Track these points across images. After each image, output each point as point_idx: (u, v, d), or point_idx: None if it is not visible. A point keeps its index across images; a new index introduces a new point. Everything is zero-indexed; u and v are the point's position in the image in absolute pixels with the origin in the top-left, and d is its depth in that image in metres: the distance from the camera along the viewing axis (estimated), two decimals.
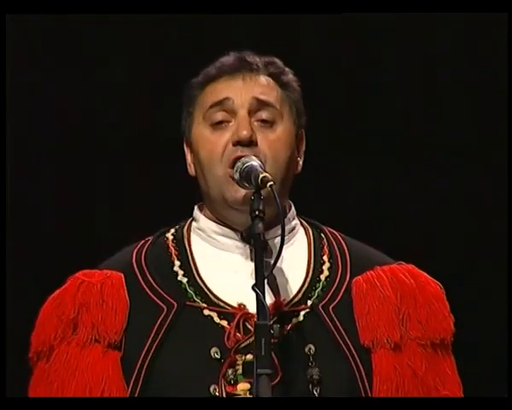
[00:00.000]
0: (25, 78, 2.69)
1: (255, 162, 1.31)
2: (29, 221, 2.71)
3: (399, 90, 2.84)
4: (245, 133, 1.35)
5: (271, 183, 1.25)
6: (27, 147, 2.72)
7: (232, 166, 1.34)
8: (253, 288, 1.19)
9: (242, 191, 1.33)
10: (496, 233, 2.76)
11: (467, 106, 2.83)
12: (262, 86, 1.39)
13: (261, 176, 1.26)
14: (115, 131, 2.74)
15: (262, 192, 1.27)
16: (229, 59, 1.43)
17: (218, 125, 1.38)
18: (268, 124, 1.39)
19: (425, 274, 1.44)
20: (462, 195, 2.81)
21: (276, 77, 1.42)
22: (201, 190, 1.42)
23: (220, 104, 1.38)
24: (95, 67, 2.73)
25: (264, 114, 1.38)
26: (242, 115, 1.37)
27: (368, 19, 2.67)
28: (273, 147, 1.37)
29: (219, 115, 1.39)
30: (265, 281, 1.28)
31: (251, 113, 1.37)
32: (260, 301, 1.17)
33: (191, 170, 1.46)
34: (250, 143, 1.35)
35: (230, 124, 1.38)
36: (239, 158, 1.33)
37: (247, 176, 1.29)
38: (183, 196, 1.77)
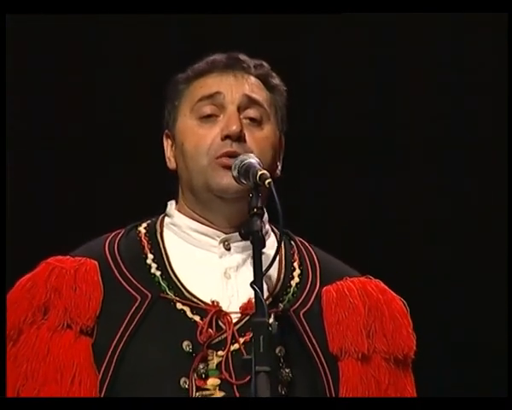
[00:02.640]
0: (25, 77, 2.69)
1: (253, 159, 1.31)
2: (29, 221, 2.71)
3: (399, 89, 2.84)
4: (234, 128, 1.36)
5: (270, 180, 1.26)
6: (27, 147, 2.72)
7: (217, 158, 1.35)
8: (251, 285, 1.19)
9: (228, 178, 1.34)
10: (496, 233, 2.76)
11: (467, 106, 2.83)
12: (252, 85, 1.41)
13: (259, 173, 1.27)
14: (115, 131, 2.74)
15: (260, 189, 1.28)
16: (220, 56, 1.43)
17: (206, 119, 1.39)
18: (256, 122, 1.40)
19: (390, 291, 1.46)
20: (462, 194, 2.81)
21: (265, 79, 1.43)
22: (182, 182, 1.42)
23: (210, 98, 1.39)
24: (95, 68, 2.74)
25: (252, 112, 1.40)
26: (232, 111, 1.38)
27: (368, 19, 2.67)
28: (260, 145, 1.39)
29: (208, 109, 1.40)
30: (235, 279, 1.30)
31: (240, 109, 1.39)
32: (259, 299, 1.18)
33: (171, 163, 1.47)
34: (239, 138, 1.36)
35: (219, 119, 1.39)
36: (229, 154, 1.34)
37: (246, 173, 1.29)
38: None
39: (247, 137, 1.37)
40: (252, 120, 1.39)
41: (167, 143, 1.48)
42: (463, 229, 2.80)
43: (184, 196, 1.43)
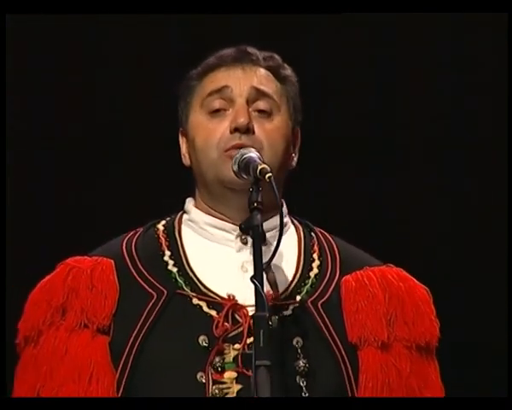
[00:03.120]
0: (25, 77, 2.69)
1: (254, 154, 1.31)
2: (29, 221, 2.71)
3: (399, 89, 2.84)
4: (242, 120, 1.36)
5: (270, 174, 1.26)
6: (27, 147, 2.73)
7: (226, 151, 1.35)
8: (251, 279, 1.19)
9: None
10: (496, 233, 2.76)
11: (467, 106, 2.83)
12: (261, 77, 1.41)
13: (260, 167, 1.27)
14: (115, 131, 2.74)
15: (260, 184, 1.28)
16: (229, 50, 1.44)
17: (215, 113, 1.39)
18: (265, 114, 1.40)
19: (413, 278, 1.46)
20: (462, 194, 2.81)
21: (275, 70, 1.43)
22: (196, 177, 1.43)
23: (219, 92, 1.40)
24: (95, 68, 2.74)
25: (261, 104, 1.40)
26: (240, 104, 1.38)
27: (368, 19, 2.67)
28: (270, 136, 1.39)
29: (217, 103, 1.40)
30: (249, 271, 1.29)
31: (249, 102, 1.39)
32: (259, 293, 1.18)
33: (186, 160, 1.47)
34: (247, 130, 1.36)
35: (228, 112, 1.39)
36: (237, 146, 1.34)
37: (246, 167, 1.30)
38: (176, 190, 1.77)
39: (257, 129, 1.37)
40: (261, 111, 1.39)
41: (182, 141, 1.48)
42: (463, 229, 2.80)
43: (199, 191, 1.44)
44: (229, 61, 1.42)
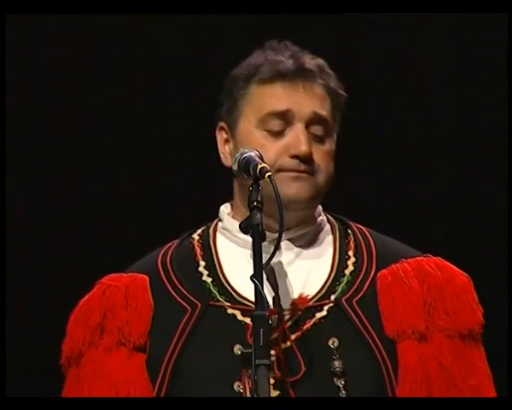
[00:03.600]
0: (24, 78, 2.69)
1: (253, 153, 1.31)
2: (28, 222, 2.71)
3: (399, 90, 2.84)
4: (305, 149, 1.34)
5: (269, 173, 1.25)
6: (27, 148, 2.72)
7: (285, 172, 1.34)
8: (251, 278, 1.19)
9: (295, 189, 1.33)
10: (496, 233, 2.76)
11: (467, 107, 2.83)
12: (319, 98, 1.37)
13: (259, 166, 1.26)
14: (116, 134, 2.74)
15: (261, 183, 1.27)
16: (284, 60, 1.38)
17: (272, 132, 1.37)
18: (320, 138, 1.38)
19: (452, 266, 1.44)
20: (462, 193, 2.82)
21: (328, 84, 1.40)
22: (241, 185, 1.40)
23: (280, 114, 1.37)
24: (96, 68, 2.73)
25: (318, 129, 1.38)
26: (301, 129, 1.35)
27: (364, 19, 2.67)
28: (323, 160, 1.37)
29: (277, 125, 1.37)
30: (286, 276, 1.30)
31: (307, 126, 1.37)
32: (258, 292, 1.18)
33: (227, 161, 1.43)
34: (307, 157, 1.35)
35: (285, 131, 1.37)
36: (297, 171, 1.34)
37: (246, 167, 1.29)
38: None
39: (313, 153, 1.36)
40: (316, 136, 1.38)
41: (221, 137, 1.45)
42: (463, 229, 2.80)
43: (240, 195, 1.41)
44: (286, 75, 1.38)
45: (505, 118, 2.67)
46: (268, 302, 1.19)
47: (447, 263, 1.44)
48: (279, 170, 1.35)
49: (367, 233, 1.47)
